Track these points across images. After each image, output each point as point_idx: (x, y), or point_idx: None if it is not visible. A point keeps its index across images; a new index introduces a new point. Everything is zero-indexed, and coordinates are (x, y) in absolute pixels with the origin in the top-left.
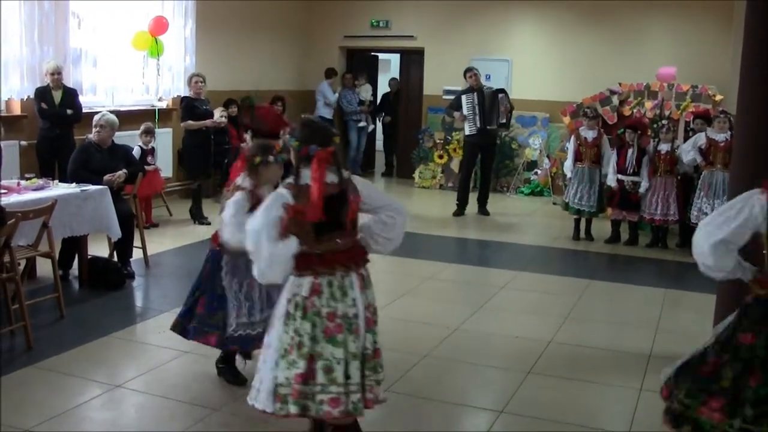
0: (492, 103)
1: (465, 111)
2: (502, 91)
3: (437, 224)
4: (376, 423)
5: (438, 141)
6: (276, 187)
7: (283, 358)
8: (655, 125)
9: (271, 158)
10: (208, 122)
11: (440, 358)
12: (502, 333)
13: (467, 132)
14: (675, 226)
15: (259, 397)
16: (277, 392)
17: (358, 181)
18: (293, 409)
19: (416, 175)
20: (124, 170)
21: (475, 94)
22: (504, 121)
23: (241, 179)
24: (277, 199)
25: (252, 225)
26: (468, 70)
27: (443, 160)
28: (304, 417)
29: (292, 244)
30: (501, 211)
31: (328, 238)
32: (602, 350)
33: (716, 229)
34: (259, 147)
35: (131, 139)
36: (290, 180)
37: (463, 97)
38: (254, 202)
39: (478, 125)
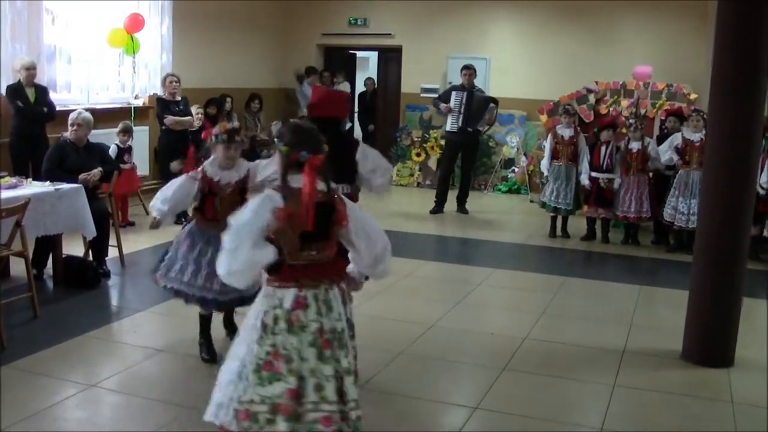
0: (479, 108)
1: (452, 105)
2: (495, 102)
3: (415, 222)
4: None
5: (416, 139)
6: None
7: (255, 373)
8: (628, 123)
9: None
10: (185, 120)
11: (416, 355)
12: (478, 330)
13: (448, 128)
14: (649, 223)
15: (219, 413)
16: (244, 409)
17: (348, 202)
18: (283, 426)
19: (394, 173)
20: (100, 169)
21: (465, 93)
22: (483, 129)
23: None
24: (266, 202)
25: (237, 223)
26: (465, 67)
27: (421, 158)
28: None
29: (270, 252)
30: (478, 209)
31: (311, 249)
32: (577, 346)
33: None
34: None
35: (107, 137)
36: (278, 183)
37: (453, 93)
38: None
39: (459, 124)
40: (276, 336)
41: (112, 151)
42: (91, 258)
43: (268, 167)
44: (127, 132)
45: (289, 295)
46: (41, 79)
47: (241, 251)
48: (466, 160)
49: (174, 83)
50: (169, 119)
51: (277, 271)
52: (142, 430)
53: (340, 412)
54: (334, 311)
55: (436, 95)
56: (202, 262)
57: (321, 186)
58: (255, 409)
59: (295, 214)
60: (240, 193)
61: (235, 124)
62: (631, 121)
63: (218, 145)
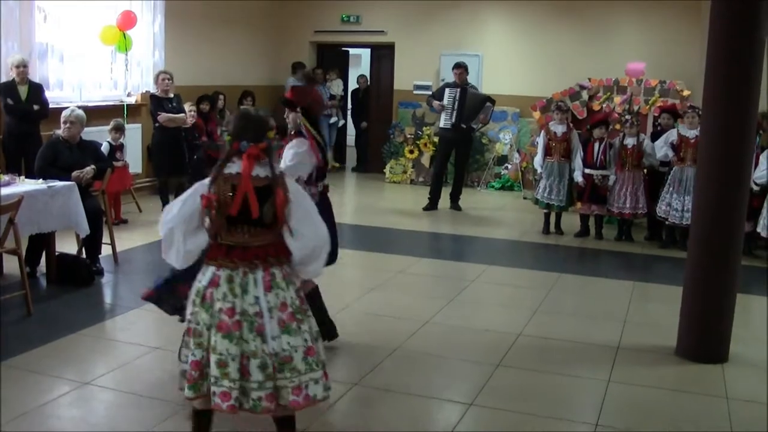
0: (474, 104)
1: (446, 102)
2: (492, 101)
3: (408, 219)
4: (346, 417)
5: (408, 136)
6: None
7: (183, 338)
8: (622, 119)
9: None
10: (178, 117)
11: (410, 352)
12: (473, 326)
13: (441, 125)
14: (642, 219)
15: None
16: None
17: (295, 189)
18: (187, 392)
19: (387, 170)
20: (93, 166)
21: (459, 90)
22: (477, 127)
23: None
24: (197, 189)
25: (166, 217)
26: (456, 66)
27: (414, 155)
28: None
29: (202, 240)
30: (471, 206)
31: (243, 231)
32: (571, 342)
33: None
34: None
35: (99, 134)
36: (215, 168)
37: (447, 90)
38: None
39: (453, 121)
40: (194, 308)
41: (104, 149)
42: (84, 256)
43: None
44: (118, 130)
45: (208, 272)
46: (33, 76)
47: (172, 246)
48: (459, 157)
49: (167, 80)
50: (163, 116)
51: (209, 248)
52: (137, 428)
53: (240, 389)
54: (249, 294)
55: (429, 92)
56: None
57: (262, 172)
58: (180, 368)
59: (221, 199)
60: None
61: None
62: (627, 116)
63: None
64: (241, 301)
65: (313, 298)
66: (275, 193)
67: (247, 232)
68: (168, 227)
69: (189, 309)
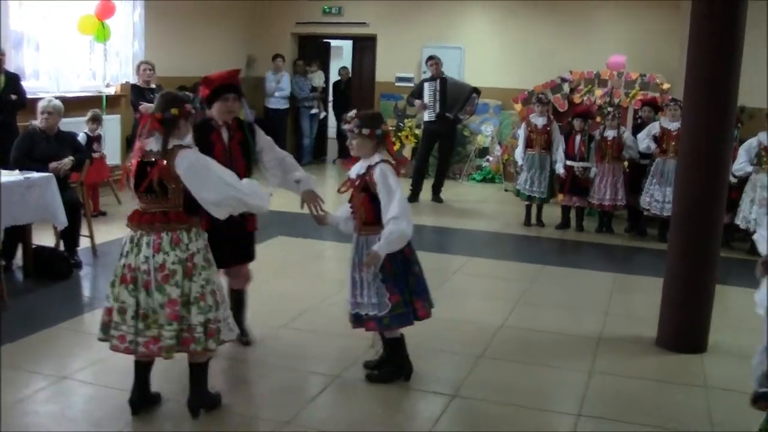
0: (457, 92)
1: (426, 99)
2: (477, 92)
3: None
4: (329, 408)
5: (390, 128)
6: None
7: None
8: (603, 112)
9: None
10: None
11: None
12: (455, 318)
13: (425, 118)
14: (623, 211)
15: None
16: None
17: (187, 161)
18: (99, 334)
19: None
20: (71, 157)
21: (438, 82)
22: (463, 118)
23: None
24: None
25: None
26: (430, 58)
27: (396, 147)
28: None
29: None
30: (453, 198)
31: (144, 199)
32: (553, 334)
33: None
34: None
35: (77, 125)
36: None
37: (426, 85)
38: None
39: (437, 111)
40: (115, 264)
41: (81, 140)
42: (62, 248)
43: None
44: (96, 120)
45: (127, 232)
46: (9, 66)
47: None
48: (443, 149)
49: (148, 71)
50: (144, 107)
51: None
52: (115, 423)
53: (135, 334)
54: (141, 254)
55: (411, 84)
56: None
57: (155, 146)
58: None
59: (128, 168)
60: (363, 190)
61: (350, 113)
62: (609, 109)
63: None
64: (135, 259)
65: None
66: (157, 166)
67: (146, 199)
68: None
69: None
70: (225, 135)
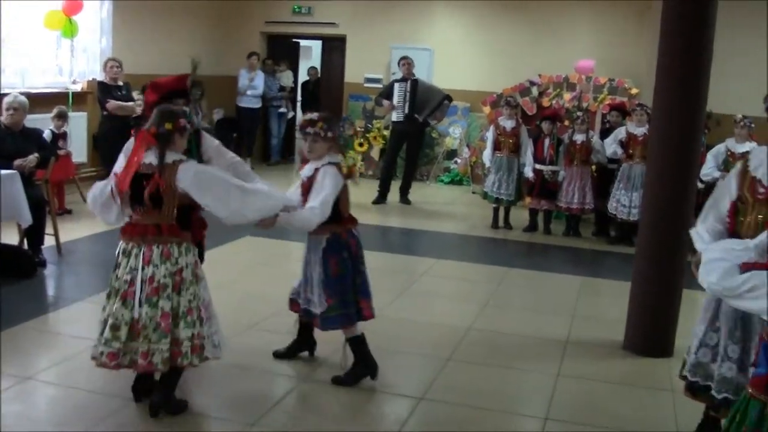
0: (427, 95)
1: (396, 99)
2: (449, 99)
3: (357, 212)
4: (294, 412)
5: (359, 129)
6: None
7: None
8: (572, 116)
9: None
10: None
11: None
12: (422, 320)
13: (394, 118)
14: (591, 215)
15: None
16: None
17: (191, 173)
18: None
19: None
20: (36, 155)
21: (408, 83)
22: (432, 123)
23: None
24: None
25: (92, 193)
26: (403, 58)
27: (363, 149)
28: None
29: (111, 212)
30: (421, 200)
31: (137, 211)
32: (521, 337)
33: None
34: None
35: (43, 122)
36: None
37: (396, 85)
38: None
39: (406, 112)
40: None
41: (47, 137)
42: (26, 246)
43: None
44: (62, 117)
45: (119, 244)
46: None
47: (98, 212)
48: (410, 151)
49: (116, 68)
50: (112, 104)
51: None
52: (80, 424)
53: (104, 344)
54: (128, 266)
55: (379, 85)
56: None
57: (151, 159)
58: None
59: (118, 177)
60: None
61: (313, 115)
62: (578, 113)
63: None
64: (122, 270)
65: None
66: (153, 180)
67: (138, 211)
68: (93, 200)
69: None
70: None
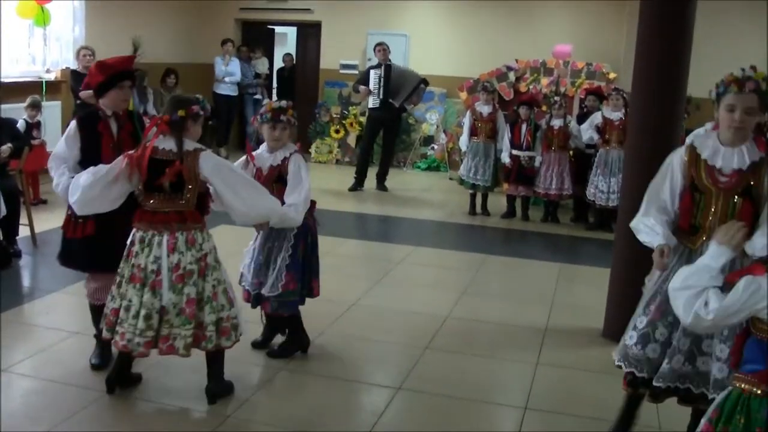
0: (400, 80)
1: (372, 85)
2: (426, 83)
3: (334, 199)
4: (271, 402)
5: (335, 115)
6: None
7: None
8: (550, 101)
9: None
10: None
11: (337, 335)
12: (400, 308)
13: (370, 105)
14: (569, 201)
15: None
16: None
17: (212, 162)
18: (105, 334)
19: (312, 149)
20: (9, 144)
21: (382, 68)
22: (408, 106)
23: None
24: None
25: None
26: (378, 44)
27: (340, 135)
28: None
29: (115, 191)
30: (398, 186)
31: (156, 198)
32: (499, 325)
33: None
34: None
35: (16, 112)
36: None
37: (372, 72)
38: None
39: (381, 97)
40: (121, 264)
41: (20, 126)
42: (0, 237)
43: None
44: (35, 107)
45: (132, 233)
46: None
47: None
48: (387, 137)
49: (88, 56)
50: (85, 93)
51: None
52: (56, 416)
53: (133, 334)
54: (152, 254)
55: (355, 71)
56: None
57: (169, 146)
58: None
59: (133, 159)
60: (277, 180)
61: (282, 103)
62: (555, 98)
63: (263, 125)
64: (146, 258)
65: None
66: (174, 166)
67: (158, 198)
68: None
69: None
70: (114, 126)
